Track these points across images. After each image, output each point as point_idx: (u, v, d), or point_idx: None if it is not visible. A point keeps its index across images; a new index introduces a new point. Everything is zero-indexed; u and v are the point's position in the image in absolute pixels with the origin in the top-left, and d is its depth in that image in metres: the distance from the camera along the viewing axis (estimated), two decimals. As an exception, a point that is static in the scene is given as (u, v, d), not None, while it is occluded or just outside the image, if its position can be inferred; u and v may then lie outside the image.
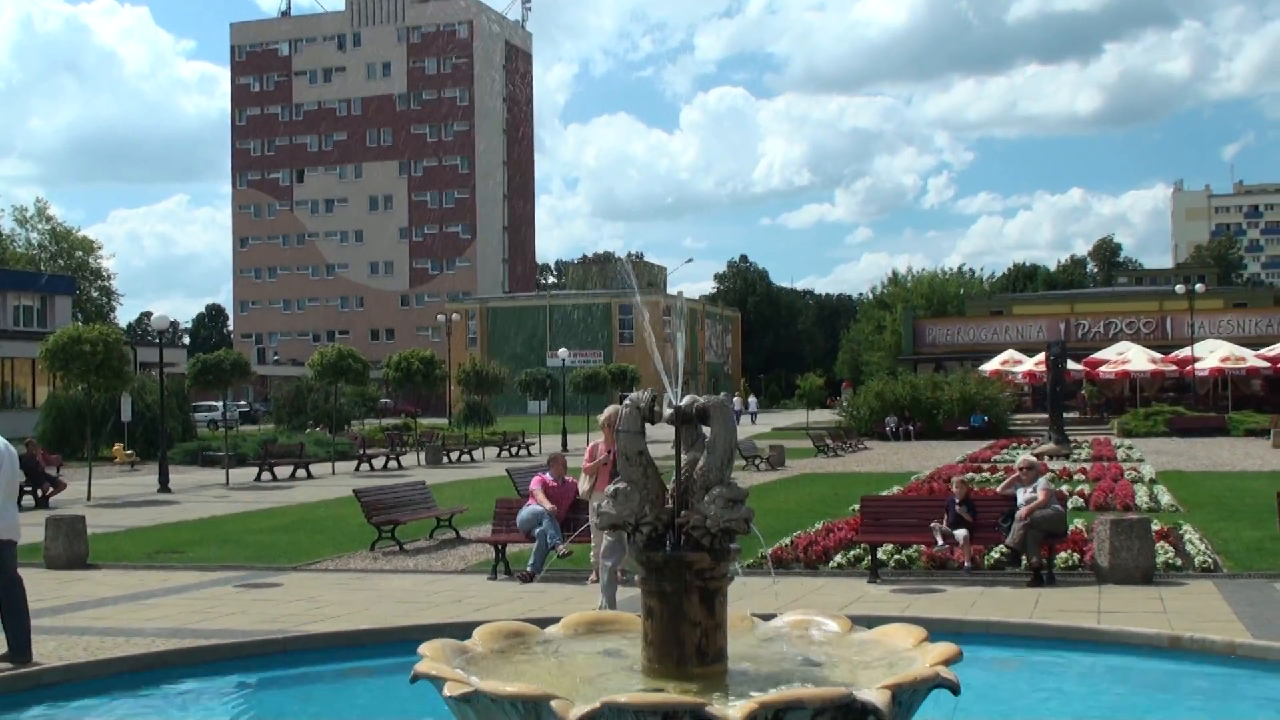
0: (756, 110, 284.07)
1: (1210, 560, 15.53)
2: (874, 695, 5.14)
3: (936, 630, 7.13)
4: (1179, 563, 15.39)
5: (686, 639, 5.84)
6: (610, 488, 6.08)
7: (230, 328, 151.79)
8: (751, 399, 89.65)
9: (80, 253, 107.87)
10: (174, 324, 51.82)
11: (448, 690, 5.41)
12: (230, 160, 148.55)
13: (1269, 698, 8.87)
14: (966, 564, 15.18)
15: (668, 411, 6.10)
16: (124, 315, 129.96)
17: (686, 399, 6.10)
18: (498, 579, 15.78)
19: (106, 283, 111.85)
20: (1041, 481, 15.17)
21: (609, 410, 15.86)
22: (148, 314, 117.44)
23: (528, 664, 6.27)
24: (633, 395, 6.10)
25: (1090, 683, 9.54)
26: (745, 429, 64.86)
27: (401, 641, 9.91)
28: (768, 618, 7.12)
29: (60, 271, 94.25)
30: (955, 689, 5.47)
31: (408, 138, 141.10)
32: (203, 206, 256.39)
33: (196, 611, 13.79)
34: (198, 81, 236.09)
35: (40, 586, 15.85)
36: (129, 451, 42.66)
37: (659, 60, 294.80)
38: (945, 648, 5.92)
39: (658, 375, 6.32)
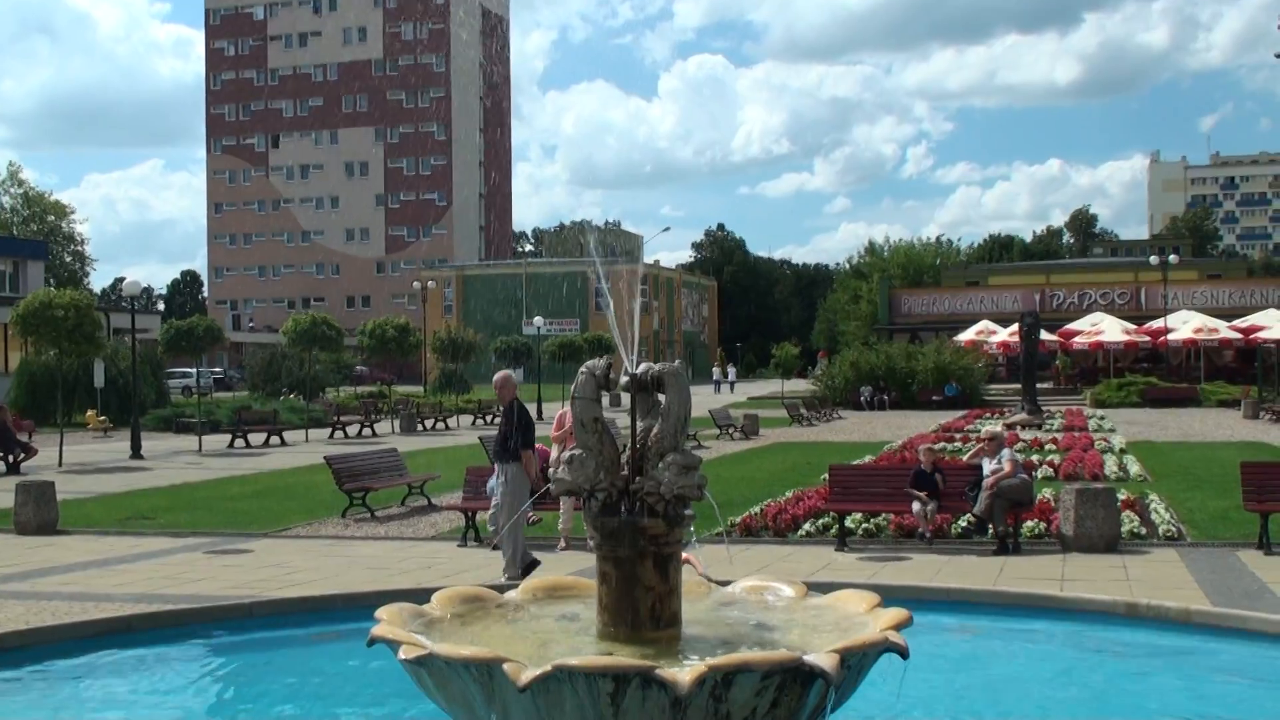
0: (736, 78, 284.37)
1: (1175, 529, 15.69)
2: (822, 659, 5.21)
3: (897, 597, 7.22)
4: (1144, 531, 15.55)
5: (640, 603, 5.90)
6: (566, 454, 6.14)
7: (205, 294, 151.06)
8: (731, 368, 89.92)
9: (53, 217, 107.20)
10: (147, 290, 51.55)
11: (403, 653, 5.47)
12: (205, 125, 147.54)
13: (1220, 663, 9.01)
14: (927, 533, 15.30)
15: (624, 379, 6.15)
16: (97, 281, 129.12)
17: (642, 367, 6.15)
18: (467, 546, 15.85)
19: (80, 248, 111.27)
20: (1006, 453, 15.26)
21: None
22: (121, 279, 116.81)
23: (484, 628, 6.33)
24: (589, 363, 6.15)
25: (1044, 648, 9.67)
26: (724, 397, 65.08)
27: (370, 607, 9.94)
28: (726, 584, 7.19)
29: (33, 236, 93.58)
30: (904, 653, 5.55)
31: (384, 104, 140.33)
32: (177, 171, 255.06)
33: (166, 577, 13.81)
34: (172, 45, 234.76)
35: (9, 552, 15.90)
36: (102, 418, 42.51)
37: (638, 27, 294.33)
38: (896, 613, 5.99)
39: (624, 343, 6.37)
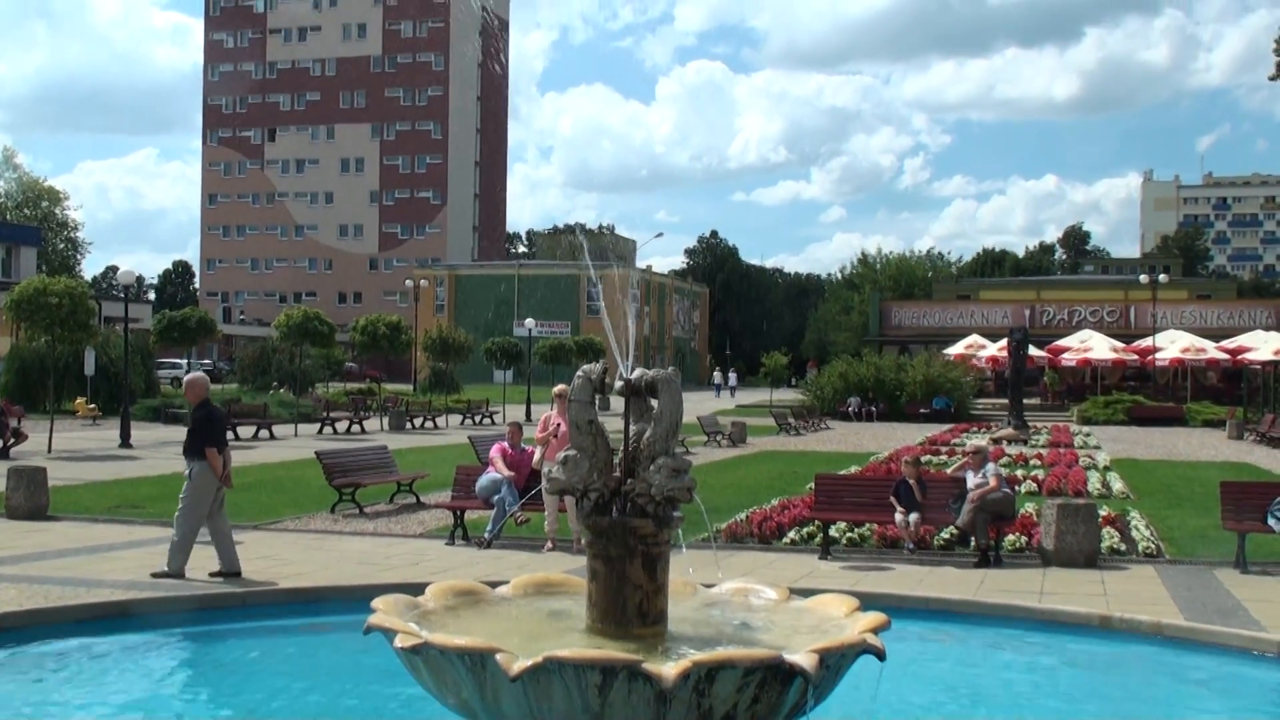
0: (734, 85, 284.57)
1: (1154, 546, 15.91)
2: (802, 658, 5.41)
3: (878, 604, 7.40)
4: (1123, 548, 15.77)
5: (629, 601, 6.10)
6: (560, 454, 6.32)
7: (196, 285, 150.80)
8: (732, 373, 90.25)
9: (47, 203, 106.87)
10: (139, 279, 51.60)
11: (398, 642, 5.64)
12: (201, 116, 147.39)
13: (1187, 674, 9.24)
14: (911, 544, 15.49)
15: (618, 384, 6.34)
16: (89, 268, 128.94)
17: (636, 372, 6.35)
18: (455, 544, 16.00)
19: (73, 234, 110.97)
20: (991, 467, 15.48)
21: (561, 386, 16.27)
22: (113, 268, 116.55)
23: (477, 620, 6.51)
24: (585, 367, 6.34)
25: (1018, 657, 9.86)
26: (721, 403, 65.57)
27: (361, 600, 10.14)
28: (712, 586, 7.39)
29: (26, 221, 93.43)
30: (881, 655, 5.75)
31: (381, 100, 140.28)
32: (172, 161, 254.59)
33: (157, 565, 13.92)
34: (170, 32, 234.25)
35: (1, 536, 16.03)
36: (91, 406, 42.58)
37: (638, 30, 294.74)
38: (874, 617, 6.19)
39: (619, 348, 6.55)
